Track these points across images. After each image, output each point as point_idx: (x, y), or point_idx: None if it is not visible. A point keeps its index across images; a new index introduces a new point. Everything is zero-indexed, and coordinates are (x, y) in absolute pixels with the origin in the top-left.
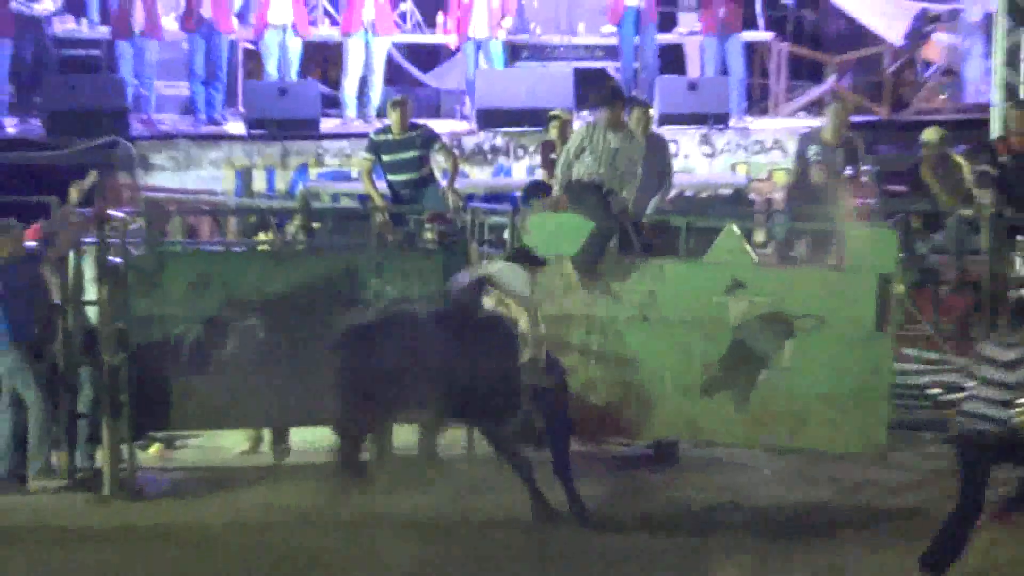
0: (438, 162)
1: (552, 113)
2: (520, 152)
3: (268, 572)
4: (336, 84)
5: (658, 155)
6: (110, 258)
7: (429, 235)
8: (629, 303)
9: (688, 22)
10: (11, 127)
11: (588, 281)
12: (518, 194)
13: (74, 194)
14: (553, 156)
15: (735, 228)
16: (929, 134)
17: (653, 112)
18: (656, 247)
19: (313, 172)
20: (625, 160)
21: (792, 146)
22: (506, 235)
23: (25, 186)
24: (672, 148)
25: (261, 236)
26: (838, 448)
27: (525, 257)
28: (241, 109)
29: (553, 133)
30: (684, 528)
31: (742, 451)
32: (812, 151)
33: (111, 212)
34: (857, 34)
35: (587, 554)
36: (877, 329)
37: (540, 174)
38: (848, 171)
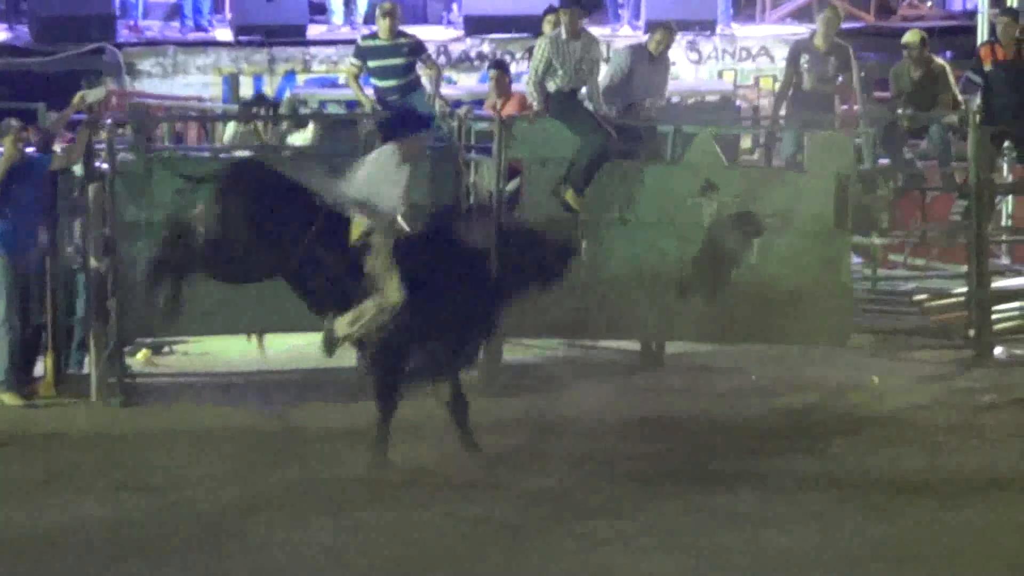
0: (422, 73)
1: (550, 8)
2: (507, 58)
3: (257, 477)
4: None
5: (663, 73)
6: (97, 164)
7: None
8: (609, 205)
9: None
10: None
11: (578, 203)
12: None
13: (76, 100)
14: None
15: (708, 132)
16: (910, 36)
17: (677, 35)
18: (644, 151)
19: (301, 79)
20: (588, 63)
21: (779, 53)
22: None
23: (12, 92)
24: None
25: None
26: (805, 340)
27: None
28: (229, 15)
29: (548, 30)
30: (671, 433)
31: (726, 355)
32: (804, 58)
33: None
34: None
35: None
36: (836, 226)
37: (528, 76)
38: (840, 78)
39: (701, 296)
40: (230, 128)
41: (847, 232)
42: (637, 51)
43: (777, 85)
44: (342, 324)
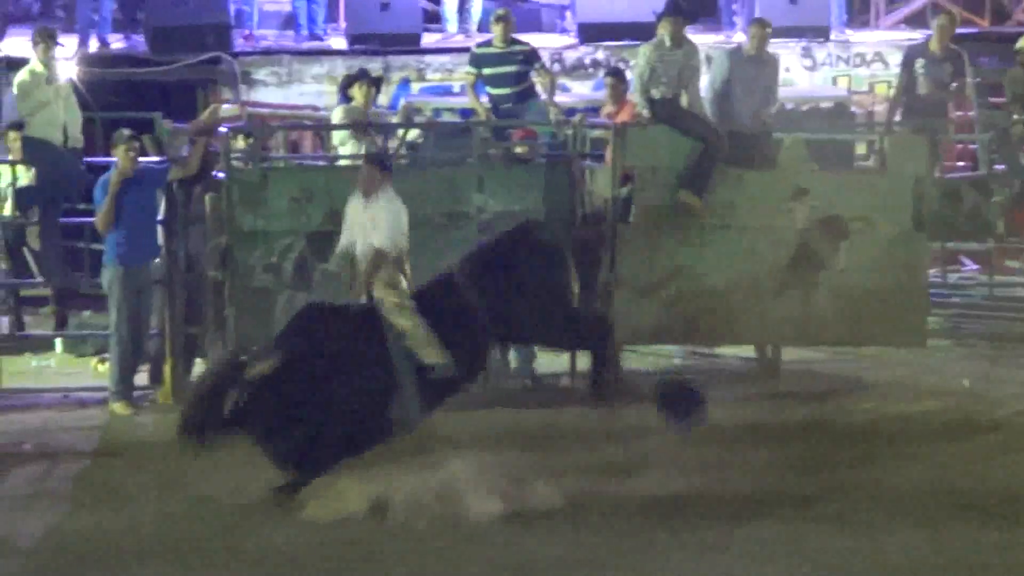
0: (536, 81)
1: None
2: (621, 66)
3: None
4: None
5: (768, 74)
6: (214, 173)
7: (519, 150)
8: (712, 211)
9: None
10: (115, 43)
11: (697, 203)
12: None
13: (207, 114)
14: None
15: (798, 136)
16: (1023, 42)
17: (769, 29)
18: (756, 159)
19: (415, 87)
20: (689, 70)
21: (893, 59)
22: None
23: (128, 102)
24: None
25: None
26: (883, 342)
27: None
28: (343, 24)
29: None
30: (787, 439)
31: (843, 361)
32: (919, 64)
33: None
34: None
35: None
36: (915, 229)
37: (635, 85)
38: (954, 84)
39: (795, 300)
40: (337, 112)
41: (924, 234)
42: (734, 54)
43: (892, 91)
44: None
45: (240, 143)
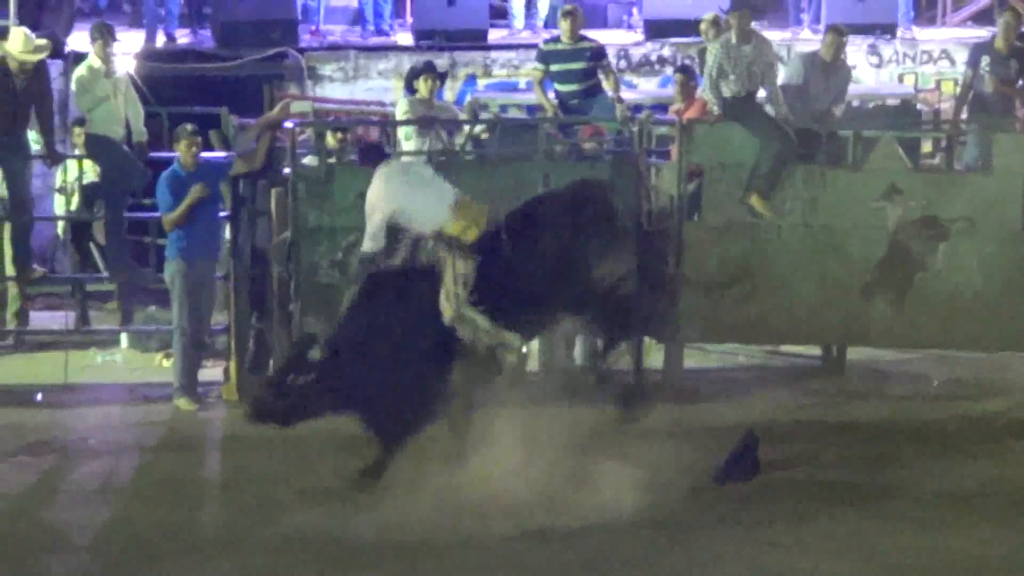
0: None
1: (704, 18)
2: (687, 62)
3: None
4: None
5: (840, 80)
6: (282, 170)
7: (587, 146)
8: (791, 210)
9: None
10: (182, 38)
11: (764, 207)
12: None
13: (278, 109)
14: None
15: (891, 136)
16: None
17: (846, 38)
18: (824, 156)
19: (481, 83)
20: (761, 65)
21: (959, 56)
22: (672, 145)
23: (195, 97)
24: None
25: None
26: (992, 347)
27: None
28: (409, 20)
29: (711, 36)
30: (852, 438)
31: (907, 360)
32: (984, 61)
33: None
34: None
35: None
36: None
37: (705, 82)
38: (1020, 82)
39: (886, 301)
40: (402, 104)
41: None
42: (810, 59)
43: (958, 88)
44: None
45: (331, 140)
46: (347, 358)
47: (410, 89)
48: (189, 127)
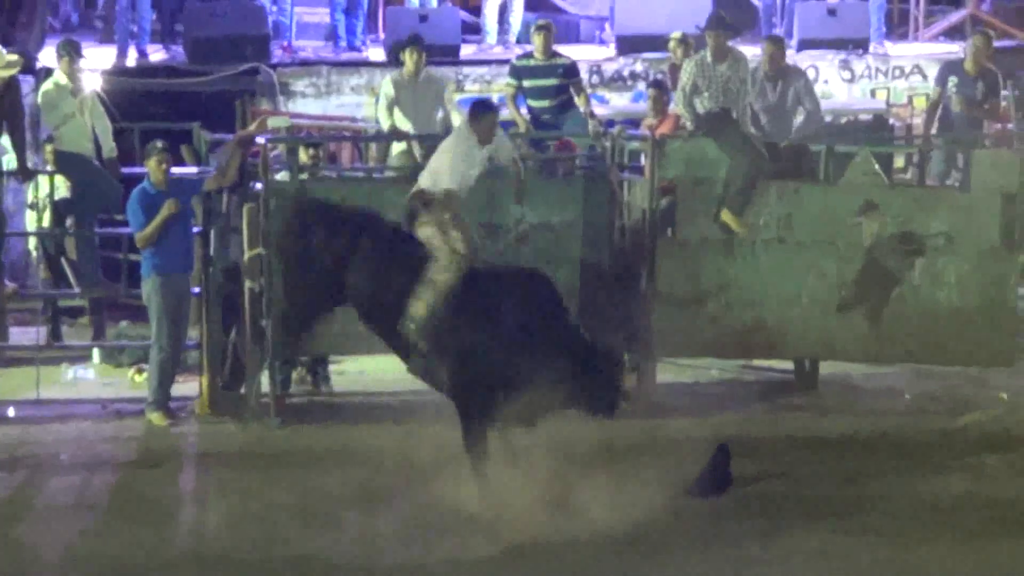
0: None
1: (672, 37)
2: (660, 77)
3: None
4: (477, 10)
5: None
6: (252, 184)
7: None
8: (766, 225)
9: None
10: (155, 54)
11: (738, 225)
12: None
13: (255, 125)
14: None
15: (867, 151)
16: None
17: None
18: (795, 172)
19: (458, 96)
20: (736, 83)
21: (931, 71)
22: (644, 160)
23: (167, 112)
24: (811, 74)
25: None
26: (969, 362)
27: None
28: (382, 35)
29: (678, 55)
30: (825, 452)
31: (880, 375)
32: (952, 81)
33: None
34: None
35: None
36: (1002, 246)
37: (678, 97)
38: (988, 103)
39: (862, 316)
40: (385, 82)
41: (1013, 252)
42: (753, 73)
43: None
44: (415, 307)
45: (303, 156)
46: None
47: (396, 61)
48: (159, 144)
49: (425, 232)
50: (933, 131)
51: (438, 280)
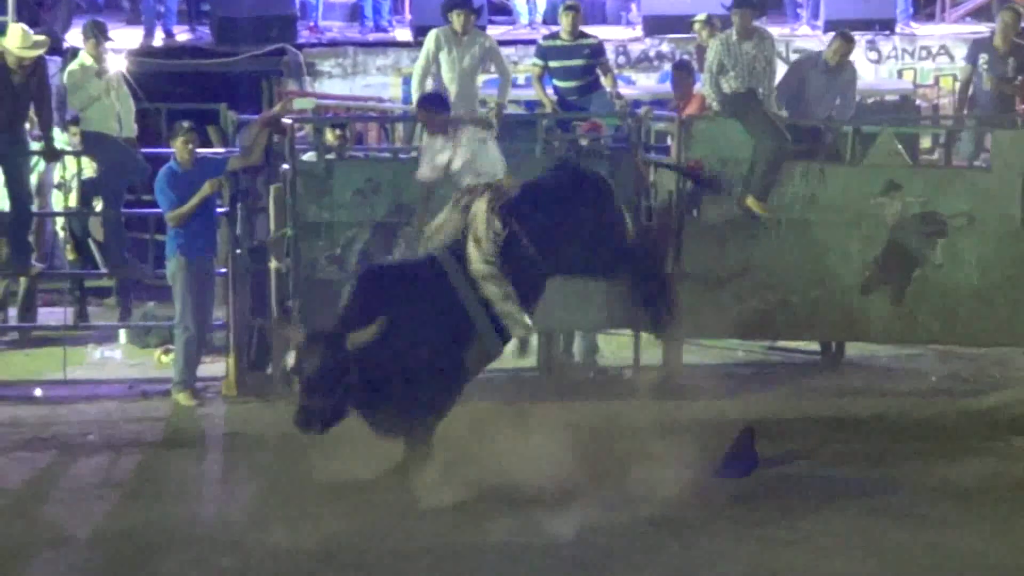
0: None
1: (696, 19)
2: (686, 58)
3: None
4: None
5: (843, 84)
6: (279, 164)
7: (584, 142)
8: (790, 205)
9: None
10: (181, 35)
11: (761, 209)
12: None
13: (280, 106)
14: None
15: (890, 132)
16: None
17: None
18: (814, 152)
19: (480, 78)
20: (762, 62)
21: (958, 52)
22: (671, 141)
23: (194, 93)
24: None
25: None
26: (991, 342)
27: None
28: (408, 16)
29: (703, 36)
30: (851, 434)
31: (906, 356)
32: (983, 59)
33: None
34: None
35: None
36: (1023, 226)
37: (705, 78)
38: (1019, 79)
39: (885, 297)
40: (432, 34)
41: None
42: (812, 60)
43: (957, 84)
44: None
45: (330, 136)
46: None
47: (445, 19)
48: (186, 124)
49: (480, 207)
50: (964, 111)
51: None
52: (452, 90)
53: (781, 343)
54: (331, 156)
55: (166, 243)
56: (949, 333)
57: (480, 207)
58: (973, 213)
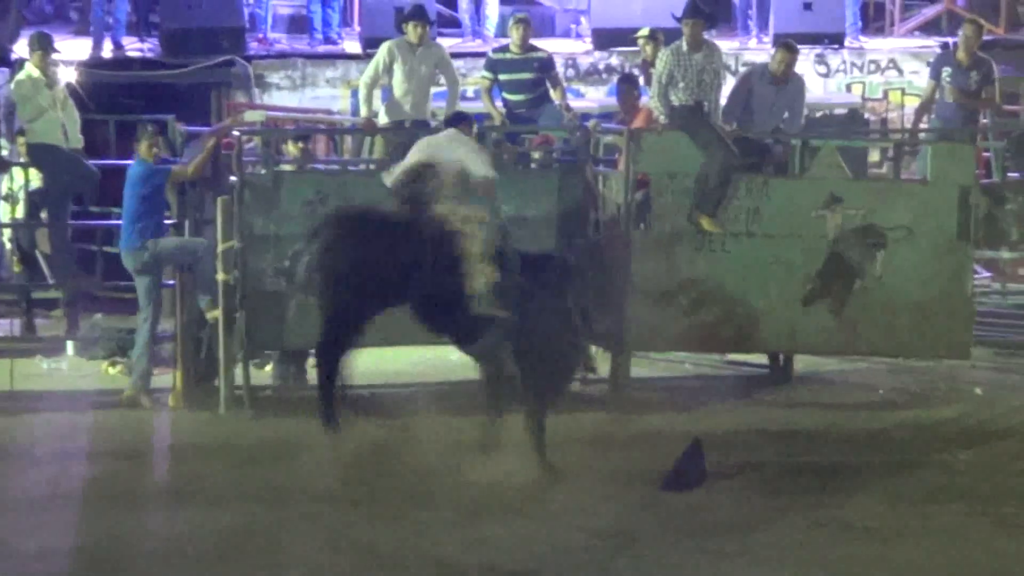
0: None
1: (640, 34)
2: (636, 71)
3: (381, 488)
4: (453, 3)
5: (791, 95)
6: (227, 176)
7: (535, 155)
8: (735, 218)
9: None
10: (130, 46)
11: (714, 227)
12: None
13: (230, 120)
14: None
15: (832, 145)
16: None
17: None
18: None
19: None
20: (711, 74)
21: (907, 66)
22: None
23: (142, 104)
24: None
25: None
26: (927, 354)
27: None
28: (357, 28)
29: (648, 51)
30: (799, 446)
31: (854, 369)
32: (945, 72)
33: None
34: None
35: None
36: (959, 239)
37: (653, 89)
38: (982, 92)
39: (826, 309)
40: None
41: (969, 244)
42: (758, 71)
43: (905, 98)
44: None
45: (291, 148)
46: None
47: (399, 31)
48: (150, 127)
49: (443, 208)
50: (923, 124)
51: (476, 251)
52: (407, 101)
53: (730, 356)
54: (290, 168)
55: (129, 236)
56: (889, 345)
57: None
58: (912, 226)
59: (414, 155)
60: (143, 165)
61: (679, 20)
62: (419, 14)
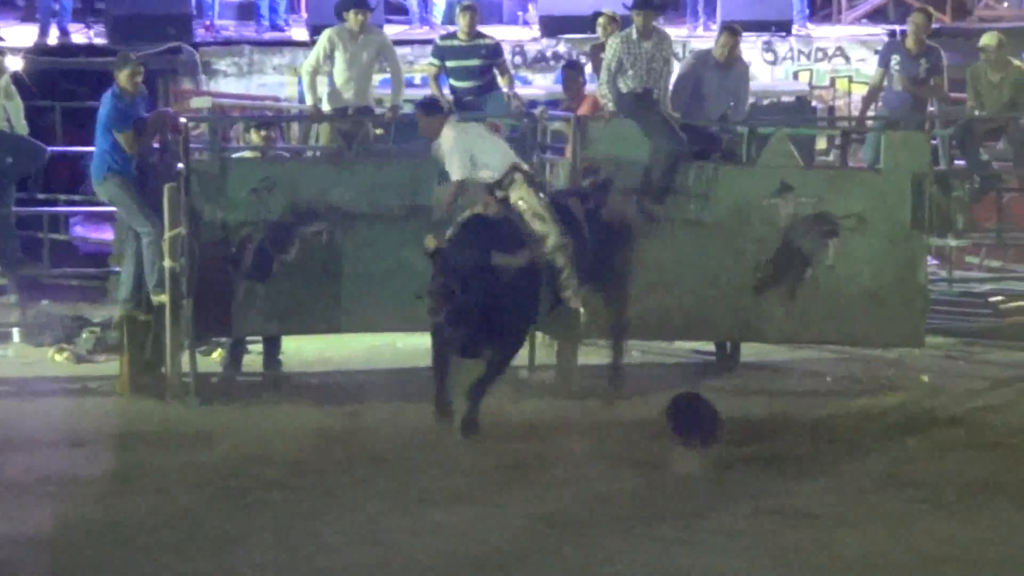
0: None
1: (604, 12)
2: (583, 59)
3: (330, 475)
4: None
5: (736, 79)
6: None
7: None
8: (683, 206)
9: None
10: (76, 33)
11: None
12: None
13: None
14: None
15: (783, 133)
16: (988, 39)
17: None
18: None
19: (376, 78)
20: (660, 61)
21: (854, 53)
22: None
23: (89, 92)
24: None
25: None
26: (880, 343)
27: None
28: (304, 15)
29: (608, 32)
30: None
31: (801, 357)
32: (895, 60)
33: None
34: None
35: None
36: (912, 227)
37: (601, 76)
38: (931, 81)
39: (777, 297)
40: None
41: (923, 233)
42: (703, 57)
43: (853, 86)
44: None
45: (254, 137)
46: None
47: (340, 19)
48: (132, 55)
49: (519, 193)
50: (871, 112)
51: (554, 240)
52: (348, 88)
53: (678, 344)
54: (255, 155)
55: (93, 168)
56: (840, 334)
57: (521, 191)
58: (864, 214)
59: (460, 166)
60: (117, 96)
61: (629, 9)
62: (359, 2)
